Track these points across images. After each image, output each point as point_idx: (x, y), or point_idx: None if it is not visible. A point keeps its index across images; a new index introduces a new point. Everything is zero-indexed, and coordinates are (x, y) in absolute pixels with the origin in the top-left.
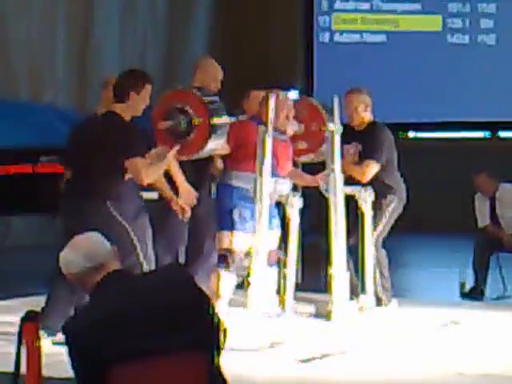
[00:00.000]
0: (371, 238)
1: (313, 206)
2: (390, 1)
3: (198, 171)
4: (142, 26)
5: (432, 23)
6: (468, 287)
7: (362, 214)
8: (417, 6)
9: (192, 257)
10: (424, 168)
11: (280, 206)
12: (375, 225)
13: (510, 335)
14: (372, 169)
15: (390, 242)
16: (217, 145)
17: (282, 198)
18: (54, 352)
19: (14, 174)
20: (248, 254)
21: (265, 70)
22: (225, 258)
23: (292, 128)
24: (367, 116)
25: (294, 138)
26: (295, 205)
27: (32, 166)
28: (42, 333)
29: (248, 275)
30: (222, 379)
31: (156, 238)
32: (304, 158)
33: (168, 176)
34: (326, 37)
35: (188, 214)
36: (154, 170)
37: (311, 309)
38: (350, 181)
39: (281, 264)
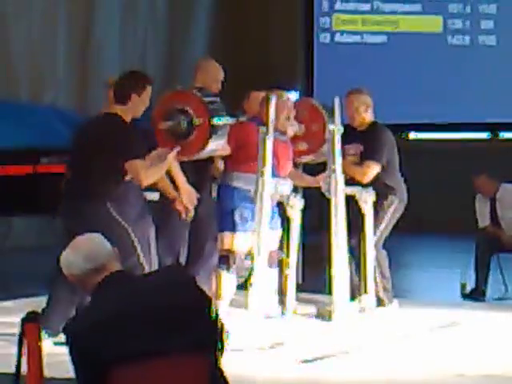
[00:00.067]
0: (372, 238)
1: (313, 206)
2: (391, 2)
3: (198, 172)
4: (143, 26)
5: (432, 24)
6: (469, 288)
7: (363, 214)
8: (417, 7)
9: (193, 258)
10: (425, 169)
11: (281, 206)
12: (376, 226)
13: (511, 336)
14: (373, 169)
15: (391, 243)
16: (217, 145)
17: (283, 198)
18: (55, 352)
19: (15, 175)
20: (249, 255)
21: (265, 71)
22: (226, 259)
23: (292, 129)
24: (368, 117)
25: (295, 139)
26: (296, 205)
27: (32, 166)
28: (43, 333)
29: (249, 276)
30: (223, 380)
31: (157, 238)
32: (305, 159)
33: (169, 177)
34: (326, 37)
35: (191, 213)
36: (154, 171)
37: (312, 309)
38: (350, 181)
39: (282, 265)
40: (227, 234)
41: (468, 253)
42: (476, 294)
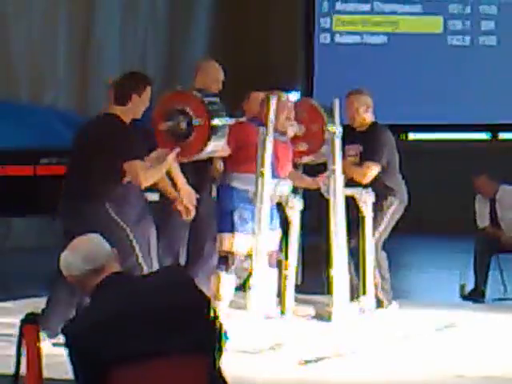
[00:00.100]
0: (371, 239)
1: (313, 207)
2: (391, 2)
3: (198, 173)
4: (143, 26)
5: (433, 25)
6: (468, 289)
7: (363, 215)
8: (417, 8)
9: (192, 258)
10: (424, 169)
11: (280, 207)
12: (375, 227)
13: (511, 337)
14: (372, 170)
15: (391, 244)
16: (217, 146)
17: (282, 199)
18: (55, 353)
19: (15, 176)
20: (248, 256)
21: (265, 71)
22: (225, 260)
23: (292, 129)
24: (368, 117)
25: (295, 140)
26: (295, 206)
27: (32, 167)
28: (42, 334)
29: (248, 277)
30: (223, 381)
31: (157, 239)
32: (304, 160)
33: (169, 178)
34: (326, 38)
35: (192, 213)
36: (153, 172)
37: (311, 310)
38: (351, 182)
39: (281, 266)
40: (226, 235)
41: (467, 253)
42: (475, 295)
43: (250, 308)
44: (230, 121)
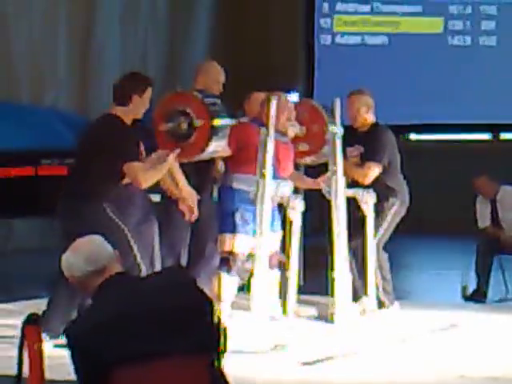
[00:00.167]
0: (373, 240)
1: (314, 208)
2: (391, 3)
3: (199, 174)
4: (144, 26)
5: (433, 25)
6: (470, 290)
7: (364, 216)
8: (418, 8)
9: (194, 259)
10: (426, 170)
11: (281, 208)
12: (377, 228)
13: None
14: (373, 170)
15: (392, 244)
16: (218, 147)
17: (284, 200)
18: (57, 354)
19: (16, 177)
20: (250, 257)
21: (266, 72)
22: (227, 261)
23: (293, 130)
24: (370, 117)
25: (296, 140)
26: (297, 207)
27: (33, 168)
28: (44, 335)
29: (250, 278)
30: (225, 381)
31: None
32: (305, 160)
33: (170, 178)
34: (327, 39)
35: (195, 213)
36: (153, 173)
37: (313, 311)
38: (353, 183)
39: (283, 267)
40: (228, 236)
41: (469, 254)
42: (477, 296)
43: (252, 309)
44: (231, 121)
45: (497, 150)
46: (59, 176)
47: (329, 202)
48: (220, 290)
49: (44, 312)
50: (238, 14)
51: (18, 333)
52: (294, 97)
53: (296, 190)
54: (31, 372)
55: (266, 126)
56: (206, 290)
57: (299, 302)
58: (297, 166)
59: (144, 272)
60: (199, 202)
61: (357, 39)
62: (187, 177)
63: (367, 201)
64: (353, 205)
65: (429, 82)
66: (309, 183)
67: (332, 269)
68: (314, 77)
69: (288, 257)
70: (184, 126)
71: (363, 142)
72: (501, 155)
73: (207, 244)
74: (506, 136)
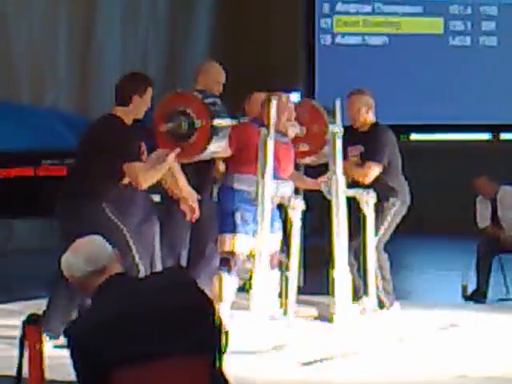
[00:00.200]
0: (373, 240)
1: (315, 208)
2: (392, 3)
3: (199, 174)
4: (144, 26)
5: (434, 25)
6: (470, 289)
7: (364, 216)
8: (418, 9)
9: (194, 260)
10: (426, 170)
11: (282, 208)
12: (377, 228)
13: None
14: (374, 170)
15: (393, 244)
16: (218, 147)
17: (284, 200)
18: (57, 355)
19: (16, 177)
20: (250, 257)
21: (266, 72)
22: (227, 261)
23: (293, 130)
24: (370, 117)
25: (296, 140)
26: (297, 207)
27: (34, 169)
28: (44, 336)
29: (250, 278)
30: (225, 382)
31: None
32: (306, 160)
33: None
34: (327, 39)
35: (197, 213)
36: (153, 173)
37: (313, 311)
38: (354, 184)
39: (283, 267)
40: (228, 236)
41: (469, 254)
42: (477, 296)
43: (252, 309)
44: (231, 122)
45: (497, 150)
46: (59, 176)
47: (329, 202)
48: (220, 290)
49: (44, 312)
50: (239, 14)
51: (18, 333)
52: (294, 97)
53: (296, 190)
54: (31, 372)
55: (267, 126)
56: (206, 290)
57: (299, 302)
58: (297, 167)
59: (142, 272)
60: (199, 202)
61: (357, 39)
62: (187, 177)
63: (367, 201)
64: (353, 205)
65: (429, 83)
66: (309, 183)
67: (332, 269)
68: (315, 77)
69: (288, 257)
70: (184, 126)
71: (363, 142)
72: (501, 155)
73: (207, 244)
74: (506, 136)
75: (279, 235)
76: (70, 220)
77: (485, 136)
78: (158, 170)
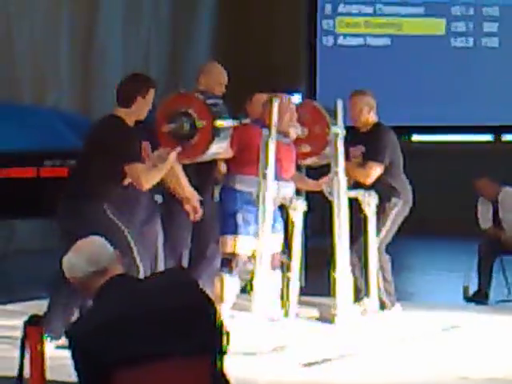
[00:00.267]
0: (375, 241)
1: (316, 209)
2: (394, 4)
3: (201, 175)
4: (146, 26)
5: (435, 27)
6: (472, 291)
7: (366, 217)
8: (420, 10)
9: (195, 261)
10: (428, 171)
11: (283, 209)
12: (379, 229)
13: None
14: (375, 170)
15: (394, 246)
16: (220, 148)
17: (286, 201)
18: (58, 356)
19: (18, 178)
20: (251, 258)
21: (268, 73)
22: (228, 262)
23: (295, 131)
24: (372, 118)
25: (298, 141)
26: (299, 208)
27: (36, 169)
28: (45, 337)
29: (251, 279)
30: (226, 383)
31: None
32: (307, 161)
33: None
34: (329, 40)
35: (200, 213)
36: (154, 174)
37: (315, 312)
38: (356, 185)
39: (284, 268)
40: (229, 237)
41: (471, 255)
42: (479, 297)
43: (254, 310)
44: (233, 123)
45: (498, 152)
46: (62, 177)
47: (330, 203)
48: (221, 291)
49: (45, 313)
50: (241, 14)
51: (19, 333)
52: (296, 98)
53: (298, 192)
54: (32, 373)
55: (268, 127)
56: (208, 291)
57: (300, 303)
58: (299, 168)
59: (143, 274)
60: (201, 202)
61: (359, 40)
62: (189, 178)
63: (369, 202)
64: (355, 206)
65: (431, 84)
66: (310, 184)
67: (333, 270)
68: (316, 78)
69: (289, 258)
70: (186, 126)
71: (365, 142)
72: (503, 156)
73: (209, 245)
74: (509, 137)
75: (281, 236)
76: (71, 221)
77: (487, 137)
78: (159, 170)
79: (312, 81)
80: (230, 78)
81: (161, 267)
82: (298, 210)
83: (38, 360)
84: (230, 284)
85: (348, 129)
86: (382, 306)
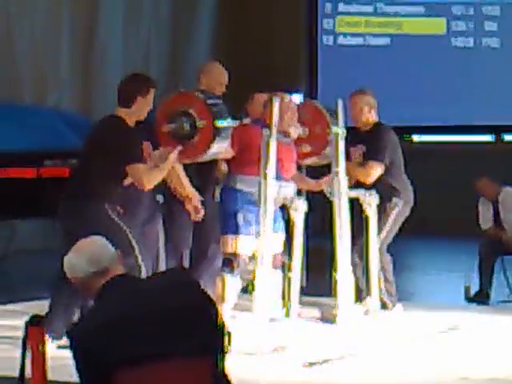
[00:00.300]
0: (376, 241)
1: (317, 209)
2: (394, 4)
3: (202, 175)
4: (146, 26)
5: (436, 26)
6: (473, 291)
7: (367, 217)
8: (420, 9)
9: (197, 261)
10: (428, 171)
11: (284, 209)
12: (380, 229)
13: None
14: (376, 170)
15: (395, 246)
16: (220, 148)
17: (287, 201)
18: (59, 356)
19: (18, 178)
20: (253, 258)
21: (268, 72)
22: (229, 262)
23: (296, 131)
24: (372, 117)
25: (298, 141)
26: (299, 208)
27: (36, 169)
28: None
29: (253, 279)
30: (227, 383)
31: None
32: (308, 161)
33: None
34: (329, 39)
35: (201, 213)
36: (156, 174)
37: (316, 312)
38: (357, 185)
39: (285, 268)
40: (230, 237)
41: (472, 255)
42: (480, 297)
43: (255, 310)
44: (234, 122)
45: (498, 152)
46: (62, 177)
47: (331, 203)
48: (223, 291)
49: (46, 313)
50: (241, 14)
51: (20, 334)
52: (296, 98)
53: (298, 192)
54: (34, 373)
55: (269, 127)
56: (209, 292)
57: (302, 303)
58: (299, 168)
59: (144, 273)
60: (202, 202)
61: (359, 40)
62: (190, 178)
63: (370, 202)
64: (356, 206)
65: (431, 83)
66: (311, 184)
67: (335, 270)
68: (317, 78)
69: (290, 258)
70: (186, 126)
71: (365, 142)
72: (502, 156)
73: (210, 245)
74: (510, 137)
75: (282, 236)
76: (72, 221)
77: (487, 137)
78: (160, 170)
79: (312, 80)
80: (230, 78)
81: (162, 267)
82: (299, 211)
83: (40, 360)
84: (232, 284)
85: (348, 129)
86: (383, 307)
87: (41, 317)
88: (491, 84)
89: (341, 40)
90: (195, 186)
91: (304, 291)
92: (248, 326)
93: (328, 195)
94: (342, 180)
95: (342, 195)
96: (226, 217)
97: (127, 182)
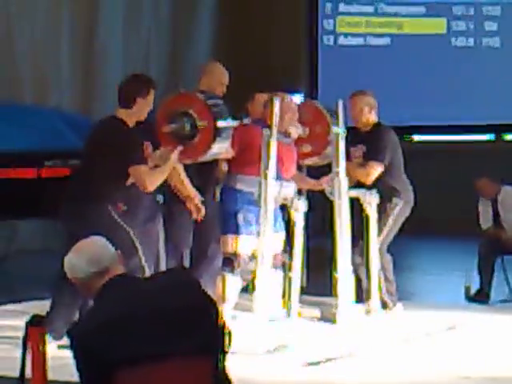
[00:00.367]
0: (376, 241)
1: (317, 209)
2: (394, 4)
3: (202, 175)
4: (146, 26)
5: (436, 26)
6: (473, 290)
7: (367, 217)
8: (421, 9)
9: (197, 260)
10: (428, 171)
11: (284, 209)
12: (380, 229)
13: None
14: (376, 170)
15: (395, 246)
16: (221, 148)
17: (287, 201)
18: (60, 355)
19: (19, 178)
20: (253, 258)
21: (269, 73)
22: (230, 262)
23: (296, 131)
24: (372, 117)
25: (299, 141)
26: (300, 208)
27: (37, 170)
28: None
29: (253, 279)
30: (228, 383)
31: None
32: (308, 161)
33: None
34: (330, 40)
35: (203, 212)
36: (158, 175)
37: (316, 312)
38: (357, 185)
39: (285, 268)
40: (230, 237)
41: (472, 255)
42: (480, 297)
43: (255, 310)
44: (234, 123)
45: (498, 151)
46: (63, 177)
47: (332, 202)
48: (223, 290)
49: (47, 313)
50: (241, 14)
51: (21, 334)
52: (297, 98)
53: (299, 191)
54: (34, 373)
55: (269, 127)
56: (210, 292)
57: (302, 302)
58: (300, 167)
59: (148, 274)
60: (202, 202)
61: (360, 40)
62: (190, 178)
63: (370, 202)
64: (356, 206)
65: (432, 83)
66: (311, 184)
67: (335, 270)
68: (317, 78)
69: (291, 258)
70: (187, 127)
71: (366, 142)
72: (505, 156)
73: (210, 245)
74: (510, 137)
75: (282, 236)
76: (75, 223)
77: (487, 137)
78: (162, 171)
79: (313, 80)
80: (230, 78)
81: (162, 267)
82: (299, 210)
83: (40, 360)
84: (232, 284)
85: (349, 129)
86: (384, 306)
87: (41, 317)
88: (491, 84)
89: (341, 40)
90: (196, 186)
91: (304, 291)
92: (248, 325)
93: (328, 195)
94: (343, 180)
95: (342, 195)
96: (226, 217)
97: (129, 182)
